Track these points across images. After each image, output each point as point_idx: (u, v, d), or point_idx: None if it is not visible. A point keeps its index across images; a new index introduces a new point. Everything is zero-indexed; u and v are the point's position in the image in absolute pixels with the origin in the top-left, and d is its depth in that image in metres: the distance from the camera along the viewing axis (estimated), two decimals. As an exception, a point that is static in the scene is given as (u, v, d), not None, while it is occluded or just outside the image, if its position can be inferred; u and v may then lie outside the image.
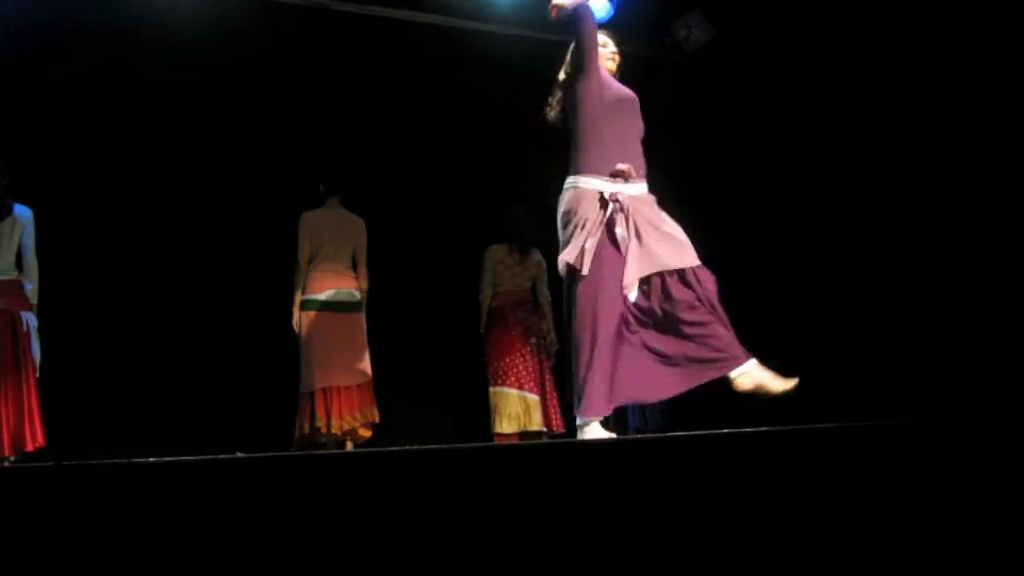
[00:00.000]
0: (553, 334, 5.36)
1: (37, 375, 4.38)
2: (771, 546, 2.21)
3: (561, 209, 3.35)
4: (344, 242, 5.02)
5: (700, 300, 3.23)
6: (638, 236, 3.27)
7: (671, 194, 3.70)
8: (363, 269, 5.06)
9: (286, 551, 2.02)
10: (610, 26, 4.10)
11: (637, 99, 3.45)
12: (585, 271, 3.22)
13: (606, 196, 3.26)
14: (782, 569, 2.20)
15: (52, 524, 1.98)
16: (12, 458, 4.25)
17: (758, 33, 5.65)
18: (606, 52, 3.52)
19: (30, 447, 4.28)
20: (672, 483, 2.25)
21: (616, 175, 3.29)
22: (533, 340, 5.28)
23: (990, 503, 2.31)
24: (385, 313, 5.19)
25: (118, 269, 5.08)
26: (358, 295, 5.02)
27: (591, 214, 3.26)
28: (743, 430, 2.77)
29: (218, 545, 2.01)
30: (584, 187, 3.30)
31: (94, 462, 2.13)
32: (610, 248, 3.25)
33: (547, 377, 5.29)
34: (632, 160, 3.33)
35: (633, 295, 3.24)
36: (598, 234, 3.25)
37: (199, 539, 2.00)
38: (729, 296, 3.73)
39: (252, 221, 5.29)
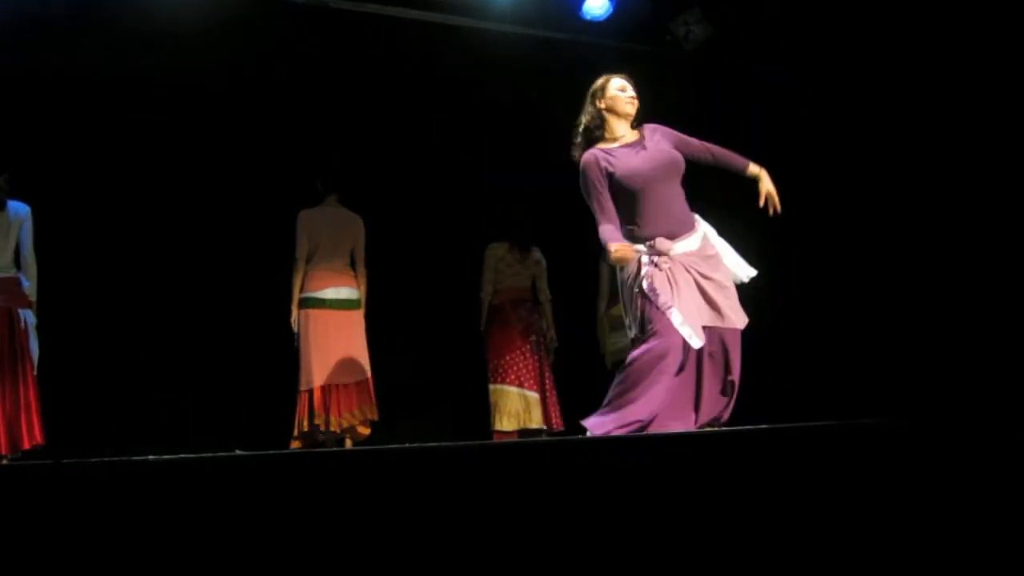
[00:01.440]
0: (553, 332, 5.36)
1: (35, 373, 4.37)
2: (770, 545, 2.21)
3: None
4: (342, 240, 5.02)
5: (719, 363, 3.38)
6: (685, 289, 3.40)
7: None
8: (361, 267, 5.06)
9: (286, 549, 2.02)
10: (610, 24, 4.11)
11: (657, 153, 3.50)
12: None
13: (643, 261, 3.42)
14: (781, 568, 2.20)
15: (51, 522, 1.98)
16: (10, 456, 4.25)
17: (758, 32, 5.64)
18: (624, 96, 3.58)
19: (28, 445, 4.28)
20: (672, 481, 2.25)
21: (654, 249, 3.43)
22: (533, 338, 5.28)
23: (989, 503, 2.31)
24: (385, 311, 5.18)
25: (116, 267, 5.07)
26: (357, 292, 5.02)
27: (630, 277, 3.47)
28: (743, 428, 2.77)
29: (218, 543, 2.01)
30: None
31: (93, 460, 2.13)
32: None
33: (547, 375, 5.29)
34: (670, 221, 3.46)
35: (698, 343, 3.31)
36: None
37: (199, 537, 2.00)
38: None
39: (251, 220, 5.28)
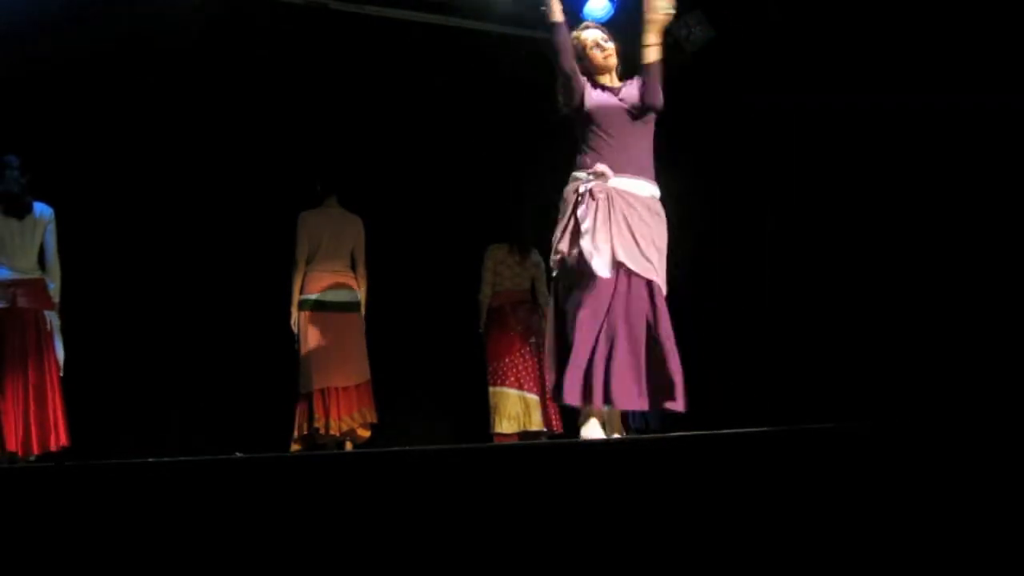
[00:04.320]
0: (553, 334, 5.36)
1: (61, 374, 4.38)
2: (770, 546, 2.20)
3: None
4: (342, 242, 5.02)
5: (655, 318, 3.30)
6: (612, 224, 3.34)
7: (670, 196, 3.69)
8: (362, 269, 5.06)
9: (286, 551, 2.01)
10: (610, 26, 4.10)
11: (632, 99, 3.48)
12: (556, 270, 3.43)
13: (580, 190, 3.39)
14: (781, 569, 2.19)
15: (54, 524, 1.98)
16: (29, 458, 4.25)
17: (758, 34, 5.64)
18: (601, 53, 3.58)
19: (52, 447, 4.28)
20: (672, 483, 2.24)
21: (595, 174, 3.40)
22: (533, 340, 5.27)
23: (987, 503, 2.30)
24: (385, 313, 5.18)
25: (113, 268, 5.06)
26: (357, 295, 5.02)
27: (567, 209, 3.43)
28: (743, 430, 2.77)
29: (217, 546, 2.00)
30: (569, 184, 3.47)
31: (93, 463, 2.13)
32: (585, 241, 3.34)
33: (547, 377, 5.29)
34: (622, 159, 3.42)
35: (607, 273, 3.27)
36: (570, 230, 3.39)
37: (198, 540, 2.00)
38: (729, 296, 3.74)
39: (250, 221, 5.28)
